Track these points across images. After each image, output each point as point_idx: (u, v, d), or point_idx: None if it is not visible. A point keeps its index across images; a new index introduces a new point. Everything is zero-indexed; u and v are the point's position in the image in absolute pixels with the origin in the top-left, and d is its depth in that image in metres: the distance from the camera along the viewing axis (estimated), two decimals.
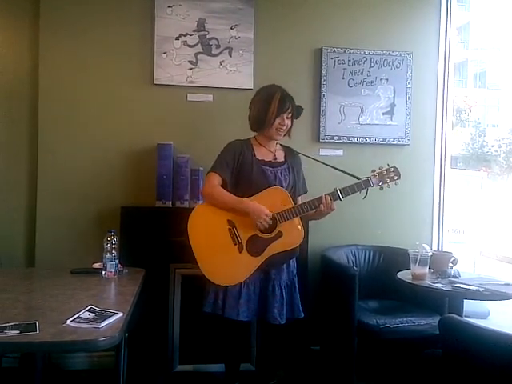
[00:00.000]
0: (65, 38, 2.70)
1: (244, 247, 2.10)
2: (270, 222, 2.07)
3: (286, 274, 2.21)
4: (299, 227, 2.11)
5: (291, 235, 2.10)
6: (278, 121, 2.16)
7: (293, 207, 2.08)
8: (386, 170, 2.14)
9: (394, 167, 2.16)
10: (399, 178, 2.15)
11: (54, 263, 2.61)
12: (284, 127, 2.18)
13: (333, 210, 2.10)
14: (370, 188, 2.12)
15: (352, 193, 2.11)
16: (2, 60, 2.72)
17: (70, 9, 2.69)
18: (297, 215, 2.08)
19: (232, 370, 2.36)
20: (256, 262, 2.10)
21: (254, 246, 2.10)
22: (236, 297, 2.13)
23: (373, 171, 2.14)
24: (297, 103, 2.23)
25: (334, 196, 2.09)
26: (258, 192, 2.12)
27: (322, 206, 2.08)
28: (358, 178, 2.14)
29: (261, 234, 2.09)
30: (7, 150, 2.74)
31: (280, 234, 2.09)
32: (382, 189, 2.14)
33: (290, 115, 2.19)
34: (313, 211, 2.10)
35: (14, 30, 2.72)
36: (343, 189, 2.10)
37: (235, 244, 2.12)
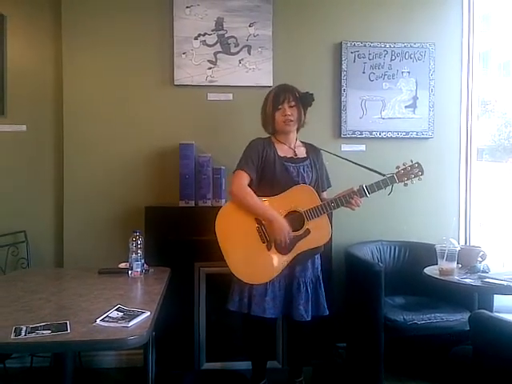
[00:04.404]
0: (86, 41, 2.74)
1: (273, 245, 2.11)
2: (288, 241, 2.08)
3: (310, 271, 2.20)
4: (326, 225, 2.13)
5: (319, 233, 2.11)
6: (278, 114, 2.17)
7: (320, 205, 2.10)
8: (410, 167, 2.17)
9: (417, 163, 2.18)
10: (422, 174, 2.18)
11: (81, 263, 2.66)
12: (289, 117, 2.16)
13: (359, 206, 2.14)
14: (395, 184, 2.14)
15: (378, 189, 2.13)
16: (28, 66, 2.78)
17: (90, 12, 2.74)
18: (324, 213, 2.09)
19: (259, 368, 2.36)
20: (285, 260, 2.10)
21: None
22: (262, 294, 2.13)
23: (397, 167, 2.17)
24: (317, 99, 2.22)
25: (361, 193, 2.12)
26: (281, 188, 2.12)
27: (350, 204, 2.11)
28: (380, 174, 2.15)
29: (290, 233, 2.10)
30: (34, 153, 2.81)
31: (308, 232, 2.10)
32: (406, 185, 2.17)
33: (292, 104, 2.18)
34: (340, 208, 2.12)
35: (37, 36, 2.78)
36: (369, 186, 2.12)
37: (264, 242, 2.12)
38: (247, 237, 2.12)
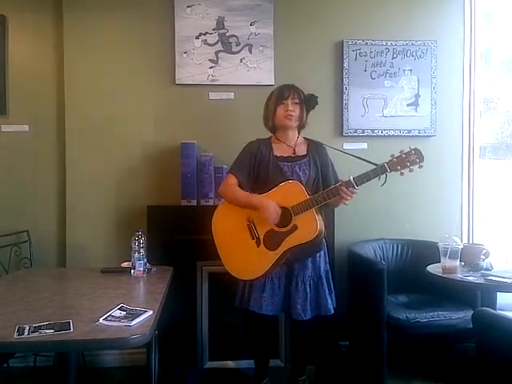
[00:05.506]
0: (87, 40, 2.75)
1: (261, 242, 2.13)
2: (279, 211, 2.07)
3: (311, 270, 2.20)
4: (314, 220, 2.05)
5: (305, 228, 2.06)
6: (280, 108, 2.18)
7: (306, 200, 2.05)
8: (406, 154, 1.98)
9: (415, 149, 1.98)
10: (422, 160, 1.97)
11: (84, 263, 2.67)
12: (291, 112, 2.17)
13: (352, 196, 2.04)
14: (388, 174, 1.98)
15: (367, 180, 2.00)
16: (30, 66, 2.78)
17: (91, 12, 2.74)
18: (311, 207, 2.05)
19: (261, 367, 2.37)
20: (273, 256, 2.10)
21: (271, 240, 2.11)
22: (260, 290, 2.15)
23: (392, 156, 2.01)
24: (319, 97, 2.22)
25: (349, 185, 2.02)
26: (273, 187, 2.12)
27: (340, 197, 2.04)
28: (374, 164, 2.02)
29: (276, 228, 2.10)
30: (36, 153, 2.81)
31: (295, 228, 2.08)
32: (402, 174, 1.99)
33: (296, 101, 2.19)
34: (329, 201, 2.05)
35: (38, 36, 2.78)
36: (358, 177, 2.01)
37: (253, 239, 2.15)
38: (239, 234, 2.17)
